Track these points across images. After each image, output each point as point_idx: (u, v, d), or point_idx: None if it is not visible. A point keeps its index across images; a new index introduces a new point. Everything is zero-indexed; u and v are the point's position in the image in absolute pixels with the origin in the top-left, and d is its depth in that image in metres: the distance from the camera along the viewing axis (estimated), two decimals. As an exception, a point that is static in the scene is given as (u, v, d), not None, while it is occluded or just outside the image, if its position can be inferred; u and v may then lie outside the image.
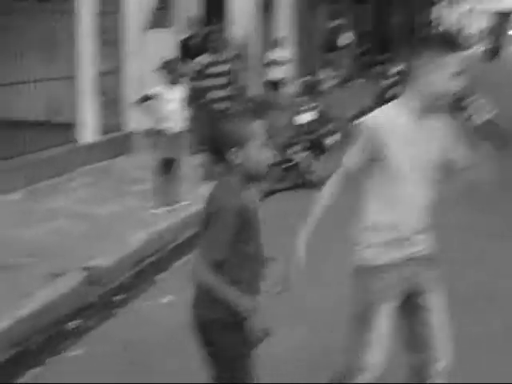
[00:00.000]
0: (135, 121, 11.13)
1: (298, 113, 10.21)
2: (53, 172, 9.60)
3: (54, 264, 6.18)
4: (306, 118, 10.16)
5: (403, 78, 11.70)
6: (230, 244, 3.01)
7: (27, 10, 10.46)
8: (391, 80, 15.35)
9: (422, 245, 3.45)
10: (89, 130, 10.79)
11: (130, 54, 11.67)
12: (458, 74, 3.23)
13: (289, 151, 9.85)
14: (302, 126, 10.09)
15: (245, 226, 3.04)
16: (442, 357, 3.46)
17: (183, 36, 12.14)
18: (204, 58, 9.57)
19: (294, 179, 9.77)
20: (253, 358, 3.18)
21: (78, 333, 5.28)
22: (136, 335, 5.20)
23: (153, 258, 6.90)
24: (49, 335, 5.20)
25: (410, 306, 3.47)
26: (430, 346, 3.45)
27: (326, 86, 14.97)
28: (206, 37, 10.73)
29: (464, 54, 3.29)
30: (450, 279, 4.12)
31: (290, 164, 9.82)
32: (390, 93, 15.09)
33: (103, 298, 5.92)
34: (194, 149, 11.07)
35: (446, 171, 3.48)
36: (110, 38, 11.40)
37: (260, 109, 11.13)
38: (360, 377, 3.43)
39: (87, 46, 10.58)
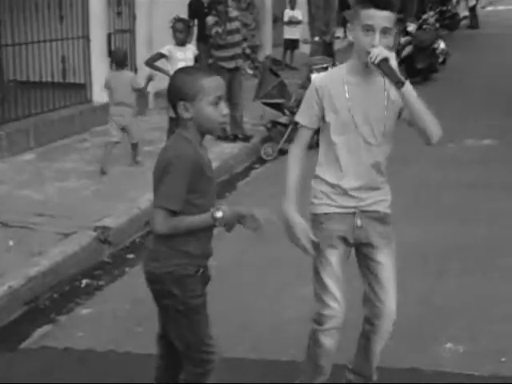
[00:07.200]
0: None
1: (313, 72, 10.11)
2: (66, 132, 9.63)
3: (66, 223, 6.22)
4: (320, 77, 10.07)
5: (415, 38, 11.66)
6: (185, 195, 2.98)
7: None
8: (405, 39, 15.25)
9: (367, 200, 3.48)
10: (102, 90, 10.76)
11: (141, 13, 11.59)
12: (370, 29, 3.25)
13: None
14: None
15: (199, 178, 3.01)
16: (387, 311, 3.52)
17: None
18: (211, 19, 9.49)
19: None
20: (205, 315, 3.16)
21: (89, 291, 5.34)
22: (146, 294, 5.22)
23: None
24: (60, 293, 5.27)
25: (361, 257, 3.57)
26: (378, 297, 3.52)
27: (341, 45, 14.82)
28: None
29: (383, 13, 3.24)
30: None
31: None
32: (405, 51, 15.04)
33: (114, 258, 5.97)
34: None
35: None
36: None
37: (275, 67, 11.08)
38: (326, 323, 3.49)
39: (99, 6, 10.52)
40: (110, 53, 10.12)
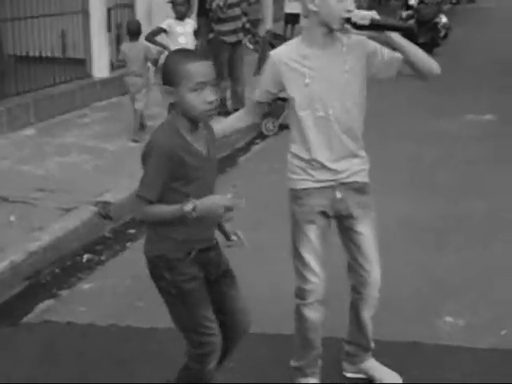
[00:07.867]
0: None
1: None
2: (66, 107, 9.60)
3: (66, 198, 6.23)
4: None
5: (417, 12, 11.58)
6: (165, 184, 2.95)
7: None
8: (406, 13, 15.15)
9: (346, 172, 3.46)
10: (102, 65, 10.73)
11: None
12: None
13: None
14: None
15: (179, 167, 2.94)
16: (372, 279, 3.56)
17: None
18: None
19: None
20: (201, 297, 3.12)
21: (90, 266, 5.35)
22: (147, 269, 5.24)
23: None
24: (61, 268, 5.27)
25: (342, 229, 3.58)
26: (363, 268, 3.55)
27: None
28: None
29: None
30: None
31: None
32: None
33: (115, 233, 5.98)
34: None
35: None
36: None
37: (276, 42, 11.00)
38: (308, 297, 3.53)
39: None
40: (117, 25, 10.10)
